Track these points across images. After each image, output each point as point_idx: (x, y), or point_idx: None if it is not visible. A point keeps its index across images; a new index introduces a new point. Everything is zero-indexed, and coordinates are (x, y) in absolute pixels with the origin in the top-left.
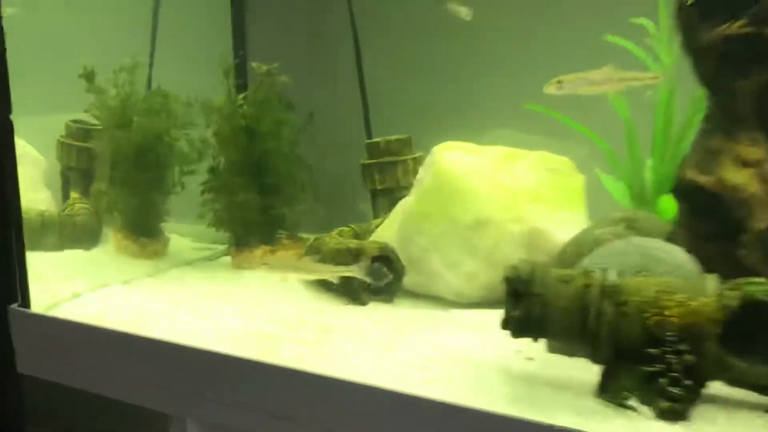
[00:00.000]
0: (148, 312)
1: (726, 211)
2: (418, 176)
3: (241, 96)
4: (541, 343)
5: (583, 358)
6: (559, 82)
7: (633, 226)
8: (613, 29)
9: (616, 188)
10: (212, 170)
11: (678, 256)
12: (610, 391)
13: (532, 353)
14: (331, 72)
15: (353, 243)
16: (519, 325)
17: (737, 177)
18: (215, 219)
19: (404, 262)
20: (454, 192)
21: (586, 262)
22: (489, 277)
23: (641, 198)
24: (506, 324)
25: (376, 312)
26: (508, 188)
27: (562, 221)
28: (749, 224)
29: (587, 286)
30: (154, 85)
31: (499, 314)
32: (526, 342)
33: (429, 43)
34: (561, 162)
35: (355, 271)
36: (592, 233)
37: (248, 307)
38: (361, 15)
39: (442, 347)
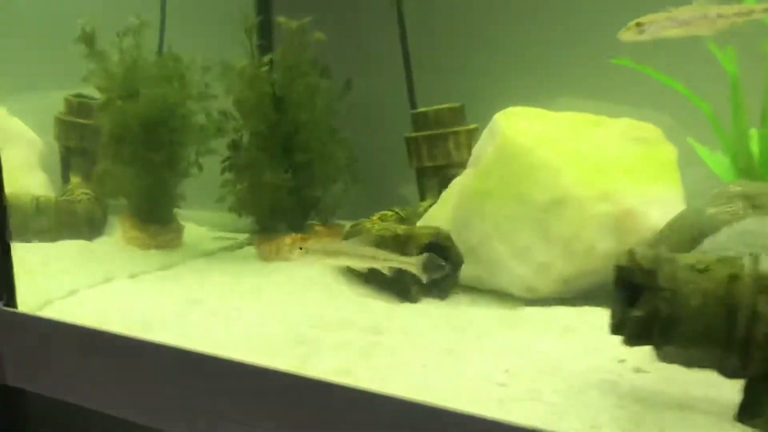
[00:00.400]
0: (158, 312)
1: None
2: (475, 150)
3: (267, 58)
4: (645, 350)
5: (708, 370)
6: (639, 24)
7: (756, 204)
8: None
9: (715, 161)
10: (233, 145)
11: None
12: (763, 415)
13: (640, 362)
14: (369, 32)
15: (400, 229)
16: (639, 329)
17: None
18: (237, 202)
19: (461, 250)
20: (523, 165)
21: (707, 246)
22: (567, 267)
23: (748, 173)
24: (620, 328)
25: (430, 311)
26: (590, 160)
27: (656, 199)
28: None
29: (733, 278)
30: (165, 49)
31: (582, 313)
32: (626, 348)
33: None
34: (648, 130)
35: (412, 264)
36: (703, 213)
37: (276, 306)
38: None
39: (520, 356)
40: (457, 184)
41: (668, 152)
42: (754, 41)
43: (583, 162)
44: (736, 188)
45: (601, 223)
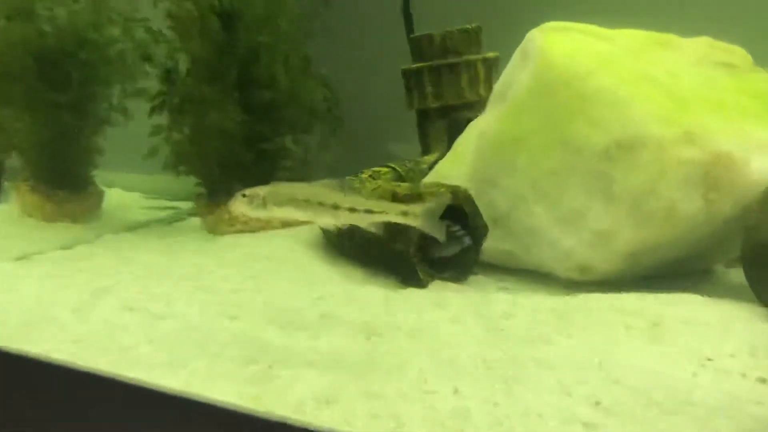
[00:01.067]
0: (48, 305)
1: None
2: (499, 84)
3: None
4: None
5: None
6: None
7: None
8: None
9: None
10: (167, 77)
11: None
12: None
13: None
14: None
15: (401, 187)
16: None
17: None
18: (174, 157)
19: (485, 216)
20: (574, 97)
21: None
22: (637, 237)
23: None
24: None
25: (447, 300)
26: (667, 89)
27: (758, 143)
28: None
29: None
30: None
31: (667, 302)
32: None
33: None
34: (736, 53)
35: (414, 216)
36: None
37: (225, 296)
38: None
39: (606, 375)
40: (476, 130)
41: (765, 82)
42: None
43: (658, 91)
44: None
45: (686, 173)
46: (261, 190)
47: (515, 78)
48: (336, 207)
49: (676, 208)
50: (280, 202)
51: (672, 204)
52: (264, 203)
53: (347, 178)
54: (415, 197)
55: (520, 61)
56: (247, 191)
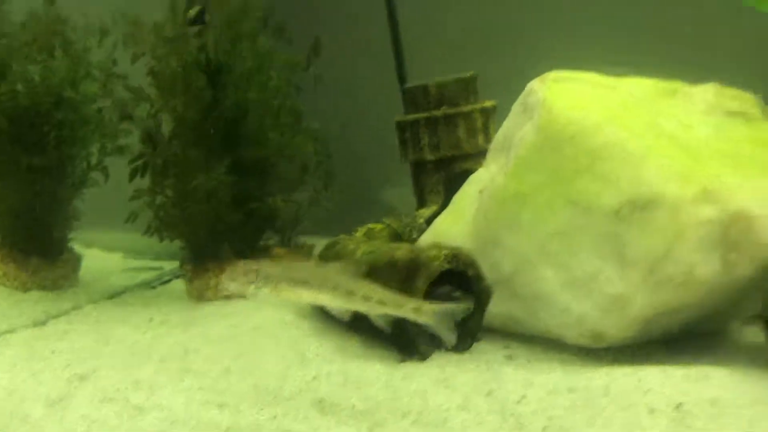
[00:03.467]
0: (17, 399)
1: None
2: (499, 135)
3: (195, 11)
4: None
5: None
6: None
7: None
8: None
9: None
10: (148, 137)
11: None
12: None
13: None
14: None
15: (400, 250)
16: None
17: None
18: (156, 220)
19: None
20: (583, 152)
21: None
22: (653, 302)
23: None
24: None
25: (453, 376)
26: (680, 143)
27: None
28: None
29: None
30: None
31: (689, 376)
32: None
33: None
34: (745, 100)
35: (426, 315)
36: None
37: (213, 381)
38: None
39: None
40: (476, 184)
41: None
42: None
43: (672, 145)
44: None
45: (704, 234)
46: (269, 269)
47: (516, 131)
48: (350, 293)
49: (694, 272)
50: (293, 284)
51: (690, 268)
52: (271, 281)
53: (342, 236)
54: (416, 264)
55: (521, 114)
56: (250, 266)
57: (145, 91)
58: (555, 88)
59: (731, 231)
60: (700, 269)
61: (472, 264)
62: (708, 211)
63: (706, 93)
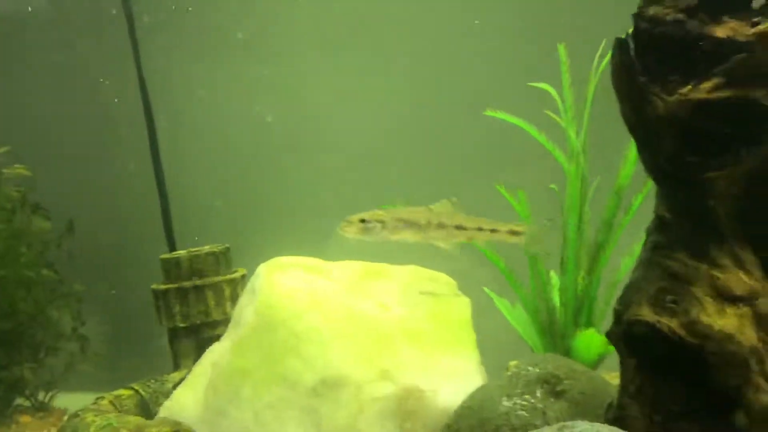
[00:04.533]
0: None
1: (706, 372)
2: (236, 310)
3: None
4: None
5: None
6: (364, 221)
7: (558, 390)
8: None
9: (515, 315)
10: None
11: None
12: None
13: None
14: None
15: (129, 425)
16: None
17: (721, 320)
18: None
19: None
20: (287, 336)
21: None
22: None
23: (551, 330)
24: None
25: None
26: (369, 326)
27: (448, 372)
28: (747, 396)
29: None
30: None
31: None
32: None
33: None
34: (439, 280)
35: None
36: (497, 405)
37: None
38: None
39: None
40: (211, 356)
41: (462, 308)
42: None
43: (361, 330)
44: (533, 370)
45: (381, 408)
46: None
47: (246, 309)
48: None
49: None
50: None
51: None
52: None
53: (86, 406)
54: None
55: (250, 293)
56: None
57: None
58: (274, 275)
59: (404, 404)
60: None
61: None
62: (385, 389)
63: (405, 274)
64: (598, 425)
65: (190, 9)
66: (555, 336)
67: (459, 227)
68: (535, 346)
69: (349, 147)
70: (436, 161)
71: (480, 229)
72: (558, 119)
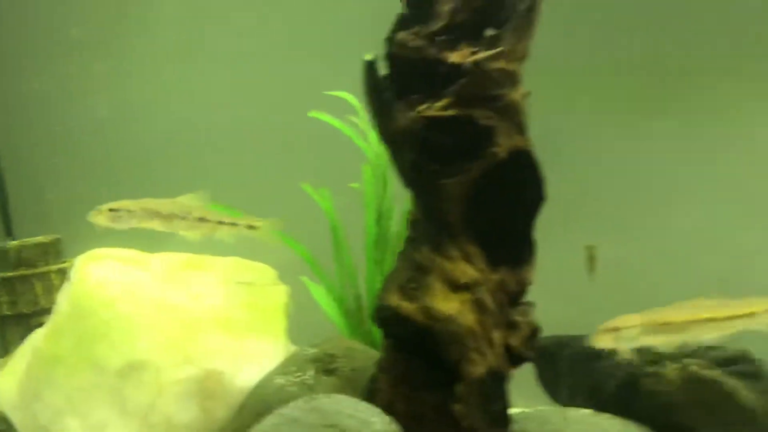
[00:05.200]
0: None
1: (437, 350)
2: (58, 298)
3: None
4: None
5: None
6: (113, 210)
7: (331, 368)
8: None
9: (326, 301)
10: None
11: (375, 424)
12: None
13: None
14: None
15: None
16: None
17: (447, 305)
18: None
19: (30, 428)
20: (98, 324)
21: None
22: None
23: (358, 314)
24: None
25: None
26: (179, 315)
27: (252, 355)
28: (464, 369)
29: None
30: None
31: None
32: None
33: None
34: (259, 271)
35: None
36: (273, 382)
37: None
38: None
39: None
40: (31, 342)
41: (278, 296)
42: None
43: (170, 318)
44: (311, 351)
45: (180, 390)
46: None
47: (62, 299)
48: None
49: (172, 419)
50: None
51: (168, 417)
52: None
53: None
54: None
55: (67, 285)
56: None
57: None
58: (88, 265)
59: (205, 385)
60: (178, 416)
61: None
62: (186, 372)
63: (225, 265)
64: (338, 396)
65: None
66: (362, 321)
67: (201, 219)
68: (342, 329)
69: (173, 142)
70: (256, 154)
71: (221, 222)
72: (358, 122)
